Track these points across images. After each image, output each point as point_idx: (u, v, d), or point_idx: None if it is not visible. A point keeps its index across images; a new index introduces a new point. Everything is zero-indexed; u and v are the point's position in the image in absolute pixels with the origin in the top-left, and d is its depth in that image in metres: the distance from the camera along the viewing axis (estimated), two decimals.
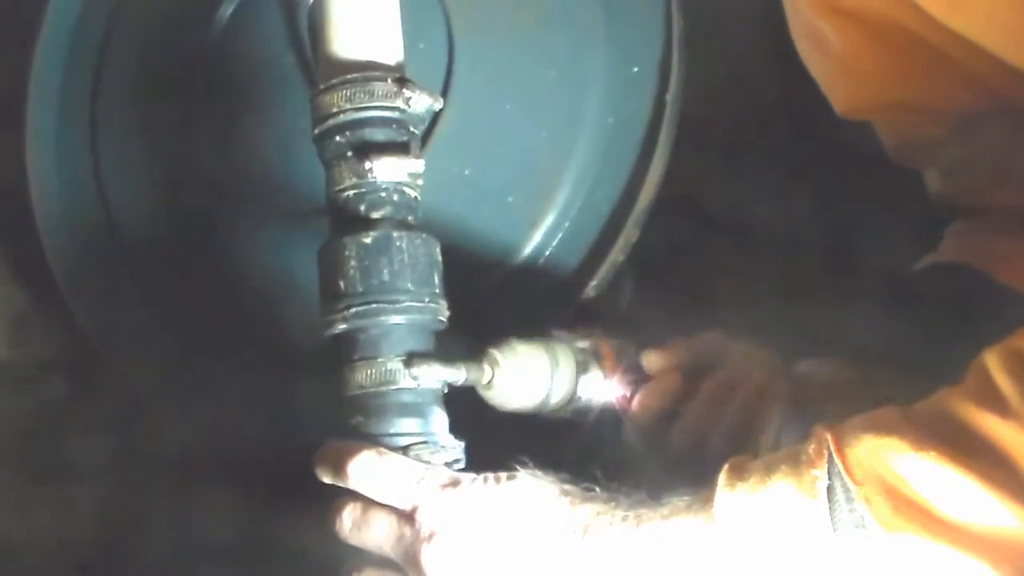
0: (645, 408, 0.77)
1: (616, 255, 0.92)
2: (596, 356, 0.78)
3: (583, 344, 0.78)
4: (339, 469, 0.65)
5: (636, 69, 0.93)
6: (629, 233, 0.92)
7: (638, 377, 0.79)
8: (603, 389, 0.78)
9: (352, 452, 0.65)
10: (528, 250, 0.93)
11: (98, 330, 1.01)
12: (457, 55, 0.93)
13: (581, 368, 0.76)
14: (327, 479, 0.67)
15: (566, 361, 0.75)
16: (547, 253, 0.93)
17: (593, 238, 0.93)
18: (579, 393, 0.76)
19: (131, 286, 1.00)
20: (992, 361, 0.53)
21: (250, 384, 0.96)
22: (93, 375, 1.09)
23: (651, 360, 0.78)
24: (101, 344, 1.01)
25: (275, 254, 0.94)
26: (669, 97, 0.91)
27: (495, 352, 0.72)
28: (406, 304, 0.68)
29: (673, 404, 0.77)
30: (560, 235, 0.93)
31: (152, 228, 1.00)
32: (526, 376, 0.73)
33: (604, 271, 0.92)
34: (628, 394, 0.78)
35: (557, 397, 0.75)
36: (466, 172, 0.92)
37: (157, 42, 1.01)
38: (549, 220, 0.93)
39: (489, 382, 0.72)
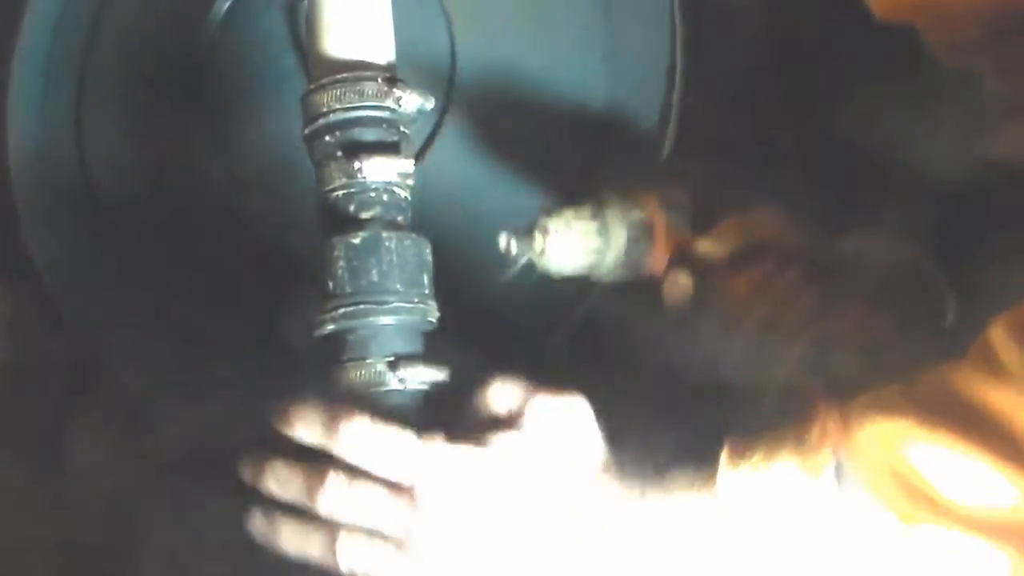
0: (681, 288, 0.76)
1: None
2: (647, 228, 0.76)
3: (637, 214, 0.76)
4: (330, 431, 0.62)
5: (639, 69, 0.92)
6: None
7: (685, 253, 0.77)
8: (650, 261, 0.77)
9: (347, 415, 0.62)
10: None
11: (88, 331, 1.02)
12: (460, 56, 0.93)
13: (632, 238, 0.76)
14: (309, 438, 0.64)
15: (617, 230, 0.75)
16: None
17: None
18: (628, 261, 0.76)
19: (122, 288, 1.01)
20: (998, 333, 0.52)
21: (246, 383, 0.96)
22: (93, 374, 1.09)
23: (703, 247, 0.76)
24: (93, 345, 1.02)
25: (271, 255, 0.94)
26: (675, 97, 0.91)
27: (547, 221, 0.72)
28: (395, 305, 0.67)
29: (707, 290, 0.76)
30: None
31: (146, 229, 1.00)
32: (576, 245, 0.74)
33: None
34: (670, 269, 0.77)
35: (607, 265, 0.76)
36: (471, 173, 0.92)
37: (147, 39, 1.01)
38: None
39: (541, 251, 0.72)
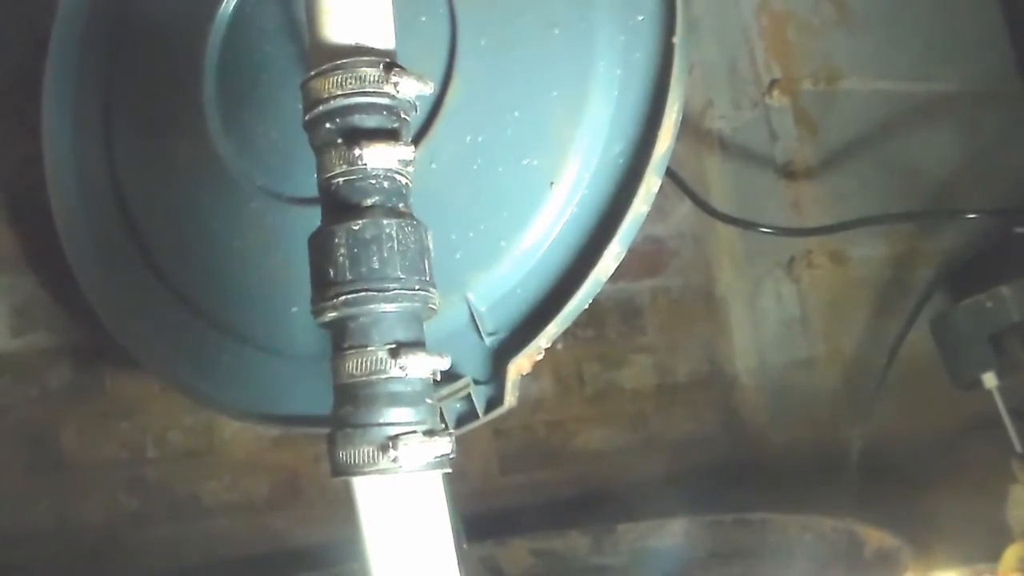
0: None
1: (639, 206, 0.91)
2: None
3: None
4: None
5: (640, 17, 0.91)
6: (650, 183, 0.91)
7: None
8: None
9: None
10: (549, 210, 0.92)
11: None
12: (460, 23, 0.92)
13: None
14: None
15: None
16: (569, 212, 0.93)
17: (613, 191, 0.93)
18: None
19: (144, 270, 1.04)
20: None
21: (248, 372, 0.98)
22: (96, 364, 1.12)
23: None
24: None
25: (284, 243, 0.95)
26: (676, 40, 0.90)
27: None
28: (396, 292, 0.67)
29: None
30: (581, 193, 0.93)
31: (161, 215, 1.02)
32: None
33: (628, 223, 0.91)
34: None
35: None
36: (480, 139, 0.92)
37: (164, 39, 1.02)
38: (567, 178, 0.92)
39: None
